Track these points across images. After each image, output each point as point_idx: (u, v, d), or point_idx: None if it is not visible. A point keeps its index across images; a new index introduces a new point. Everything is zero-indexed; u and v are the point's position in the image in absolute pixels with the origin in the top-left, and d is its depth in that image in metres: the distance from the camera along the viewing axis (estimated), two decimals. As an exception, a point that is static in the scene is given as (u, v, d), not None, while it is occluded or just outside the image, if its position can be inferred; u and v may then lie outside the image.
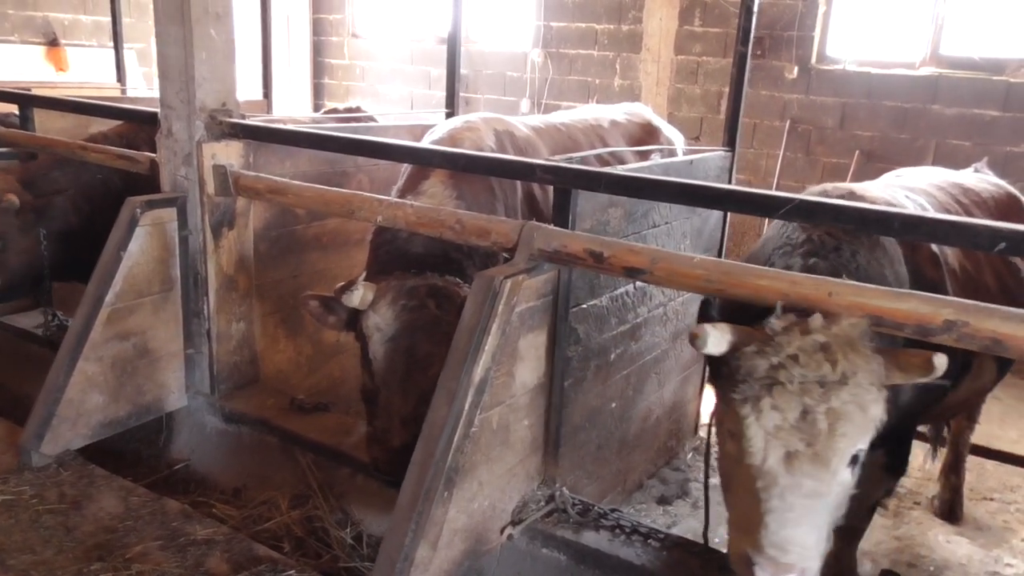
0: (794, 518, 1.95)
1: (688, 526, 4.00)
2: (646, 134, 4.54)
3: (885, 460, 2.95)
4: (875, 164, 6.69)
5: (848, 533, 3.18)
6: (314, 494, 3.46)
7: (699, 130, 7.52)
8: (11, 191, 4.13)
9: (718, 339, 2.10)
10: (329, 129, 4.37)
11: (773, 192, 2.72)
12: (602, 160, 3.92)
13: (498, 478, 2.92)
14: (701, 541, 2.91)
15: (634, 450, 4.07)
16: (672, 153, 4.57)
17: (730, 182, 4.40)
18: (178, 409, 4.00)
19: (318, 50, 9.98)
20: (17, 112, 4.95)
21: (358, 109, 5.93)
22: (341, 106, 5.87)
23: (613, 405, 3.72)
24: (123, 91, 7.21)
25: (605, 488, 3.88)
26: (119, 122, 4.79)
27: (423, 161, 3.37)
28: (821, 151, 7.15)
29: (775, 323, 2.11)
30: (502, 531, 3.00)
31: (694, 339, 2.08)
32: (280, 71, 6.85)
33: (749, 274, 2.45)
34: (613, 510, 3.06)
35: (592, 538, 2.98)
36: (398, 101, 9.39)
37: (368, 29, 9.77)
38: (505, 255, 3.02)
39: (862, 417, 1.97)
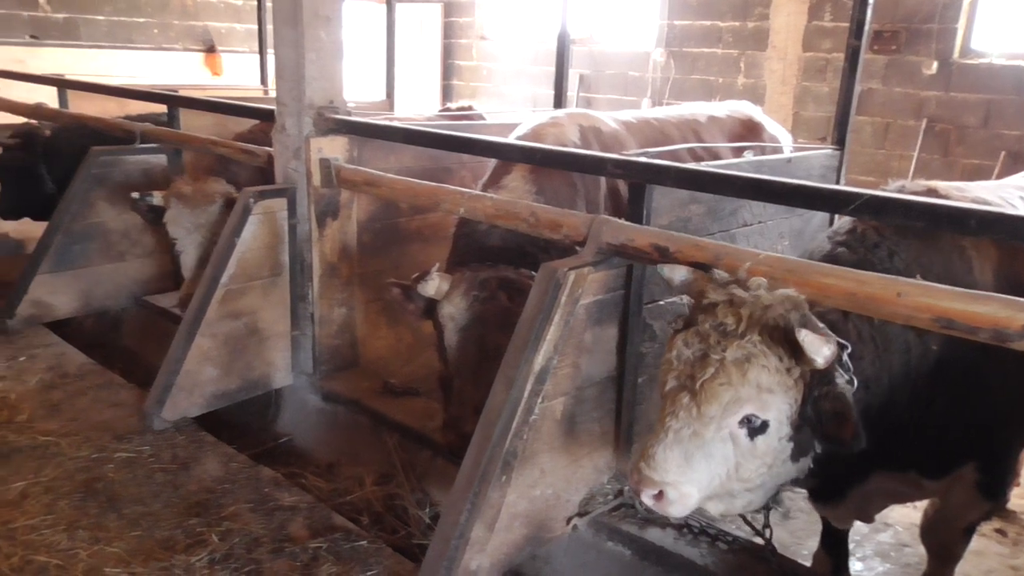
0: (667, 442, 2.09)
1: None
2: (747, 130, 4.43)
3: (977, 477, 2.76)
4: (1024, 166, 6.19)
5: (940, 554, 3.00)
6: (397, 473, 3.63)
7: (826, 130, 7.19)
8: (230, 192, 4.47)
9: (678, 276, 2.39)
10: (432, 127, 4.54)
11: (842, 187, 2.61)
12: (695, 155, 3.87)
13: (563, 468, 2.96)
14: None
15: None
16: (776, 151, 4.43)
17: (838, 182, 4.22)
18: (284, 387, 4.29)
19: (448, 53, 10.32)
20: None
21: (469, 108, 6.10)
22: (454, 105, 6.07)
23: (693, 405, 3.65)
24: (265, 92, 7.77)
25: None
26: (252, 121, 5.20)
27: (501, 155, 3.47)
28: (961, 152, 6.67)
29: (718, 275, 2.27)
30: (568, 521, 3.04)
31: (663, 273, 2.43)
32: (412, 74, 7.15)
33: (814, 272, 2.37)
34: (681, 508, 3.02)
35: (657, 535, 2.97)
36: (521, 101, 9.56)
37: (495, 31, 10.01)
38: (578, 248, 3.06)
39: (747, 378, 2.04)
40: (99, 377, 4.31)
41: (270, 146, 4.57)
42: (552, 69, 9.35)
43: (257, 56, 9.03)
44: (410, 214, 4.58)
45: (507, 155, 3.42)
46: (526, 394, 2.69)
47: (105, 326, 5.39)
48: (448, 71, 10.36)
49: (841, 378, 2.11)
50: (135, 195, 4.53)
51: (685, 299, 2.37)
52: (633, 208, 3.02)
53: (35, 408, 3.91)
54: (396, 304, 3.42)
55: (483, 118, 6.11)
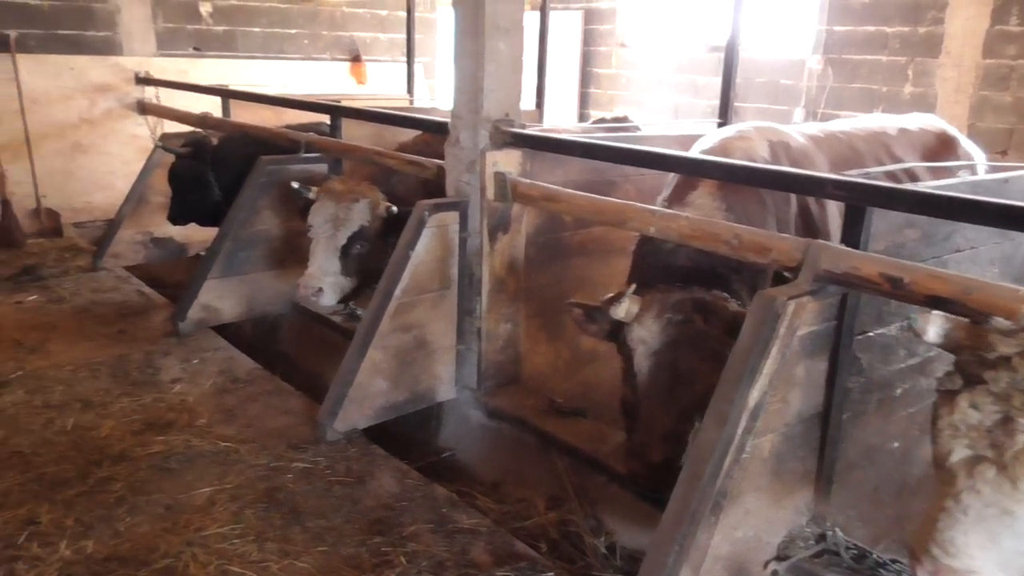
0: (965, 523, 1.84)
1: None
2: (941, 145, 4.09)
3: None
4: None
5: None
6: (569, 498, 3.51)
7: (1007, 143, 6.65)
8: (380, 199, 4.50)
9: (935, 328, 2.05)
10: (599, 139, 4.42)
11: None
12: (890, 175, 3.59)
13: (765, 508, 2.76)
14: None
15: (915, 496, 3.66)
16: (974, 169, 4.08)
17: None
18: (447, 400, 4.25)
19: (586, 60, 10.21)
20: (328, 121, 5.57)
21: (625, 119, 5.95)
22: (608, 116, 5.94)
23: (895, 445, 3.38)
24: (411, 101, 7.86)
25: (878, 534, 3.53)
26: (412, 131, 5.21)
27: (699, 172, 3.29)
28: None
29: (1001, 322, 1.96)
30: (765, 565, 2.84)
31: (916, 324, 2.07)
32: (550, 81, 7.07)
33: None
34: (894, 560, 2.78)
35: (865, 587, 2.73)
36: (662, 110, 9.34)
37: (636, 39, 9.82)
38: (787, 274, 2.86)
39: None
40: (268, 383, 4.40)
41: (432, 157, 4.60)
42: (696, 77, 9.21)
43: (398, 65, 9.24)
44: (574, 228, 4.48)
45: (706, 172, 3.24)
46: (739, 431, 2.51)
47: (264, 331, 5.53)
48: (586, 79, 10.25)
49: None
50: (295, 184, 4.63)
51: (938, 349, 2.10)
52: (851, 232, 2.79)
53: (212, 413, 4.01)
54: (578, 325, 3.30)
55: (639, 129, 5.95)
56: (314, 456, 3.64)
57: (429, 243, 3.92)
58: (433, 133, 4.56)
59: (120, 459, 3.54)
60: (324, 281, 4.39)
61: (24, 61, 7.02)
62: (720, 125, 5.18)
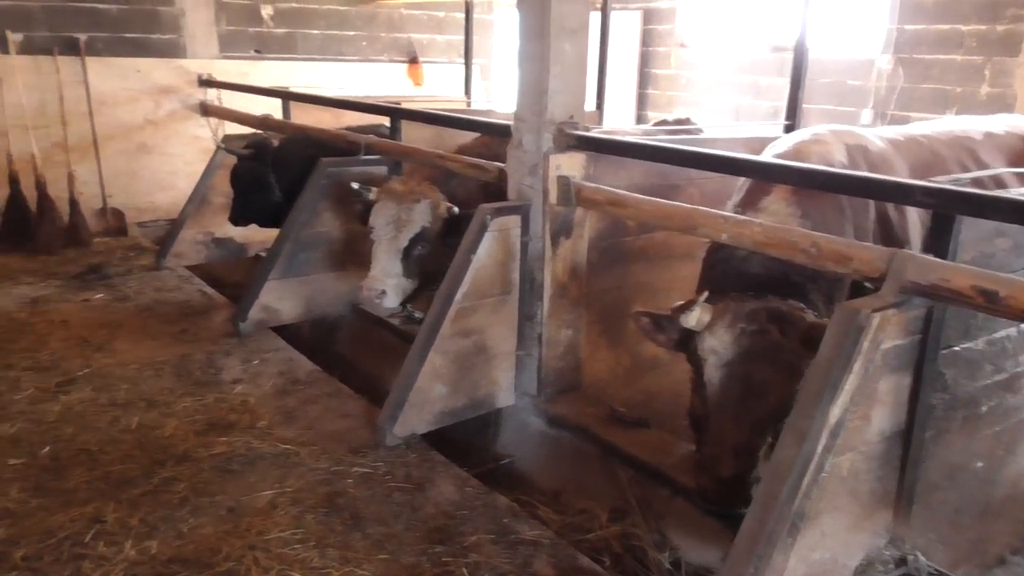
0: None
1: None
2: (1033, 149, 3.89)
3: None
4: None
5: None
6: (632, 511, 3.42)
7: (1091, 146, 6.33)
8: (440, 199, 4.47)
9: None
10: (667, 142, 4.32)
11: None
12: (977, 181, 3.42)
13: (842, 530, 2.64)
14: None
15: (998, 519, 3.48)
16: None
17: None
18: (506, 407, 4.20)
19: (645, 60, 10.07)
20: (387, 124, 5.56)
21: (687, 121, 5.83)
22: (670, 117, 5.81)
23: (979, 464, 3.21)
24: (468, 104, 7.84)
25: (958, 558, 3.37)
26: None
27: (774, 177, 3.17)
28: None
29: None
30: (841, 588, 2.72)
31: None
32: (607, 82, 6.97)
33: None
34: (979, 587, 2.63)
35: (948, 614, 2.59)
36: (722, 112, 9.15)
37: (696, 39, 9.64)
38: (868, 284, 2.73)
39: None
40: (327, 385, 4.40)
41: (491, 159, 4.55)
42: (758, 78, 8.99)
43: (455, 66, 9.24)
44: (636, 233, 4.38)
45: (782, 177, 3.12)
46: (819, 449, 2.40)
47: (323, 332, 5.54)
48: (644, 80, 10.10)
49: None
50: (355, 185, 4.62)
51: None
52: (938, 242, 2.65)
53: (272, 414, 4.02)
54: (645, 334, 3.21)
55: (701, 131, 5.82)
56: (374, 461, 3.61)
57: (490, 247, 3.87)
58: (494, 136, 4.51)
59: (183, 459, 3.56)
60: (387, 283, 4.37)
61: (93, 64, 7.19)
62: (788, 128, 5.04)
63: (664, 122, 5.83)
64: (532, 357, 4.12)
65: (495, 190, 4.36)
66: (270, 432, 3.83)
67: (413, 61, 8.98)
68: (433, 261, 4.48)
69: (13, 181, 6.73)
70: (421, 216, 4.42)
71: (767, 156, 3.50)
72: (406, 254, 4.41)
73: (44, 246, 6.62)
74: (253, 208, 5.76)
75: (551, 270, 3.98)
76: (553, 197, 3.85)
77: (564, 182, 3.81)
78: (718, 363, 2.96)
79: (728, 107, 9.18)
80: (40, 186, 6.77)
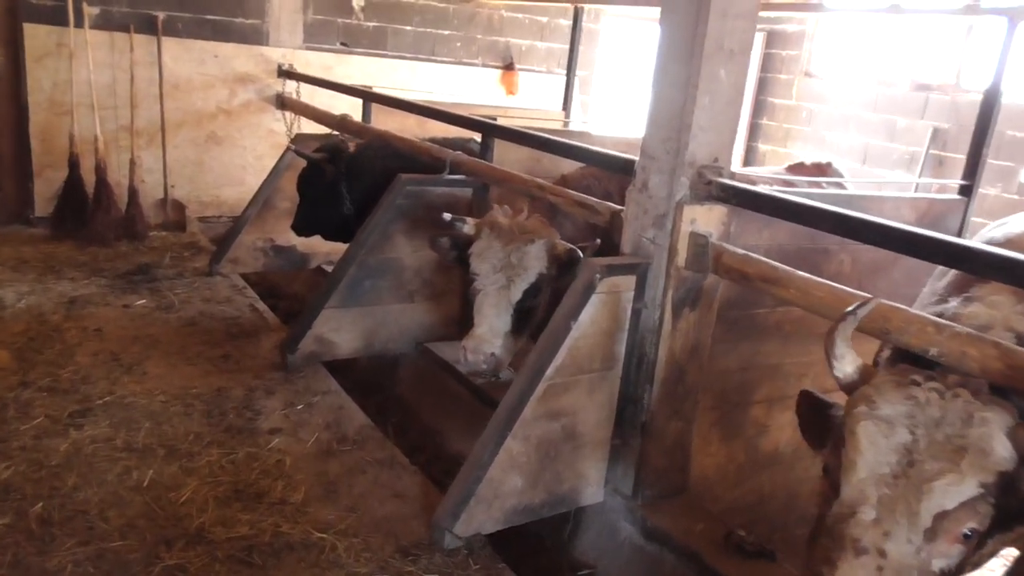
0: None
1: None
2: None
3: None
4: None
5: None
6: None
7: None
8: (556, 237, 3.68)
9: None
10: (806, 195, 3.46)
11: None
12: None
13: None
14: None
15: None
16: None
17: None
18: (592, 504, 3.42)
19: (762, 87, 9.14)
20: (478, 139, 4.85)
21: (828, 166, 4.95)
22: (808, 161, 4.94)
23: None
24: (565, 123, 7.09)
25: None
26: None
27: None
28: None
29: None
30: None
31: None
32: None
33: None
34: None
35: None
36: (847, 153, 8.16)
37: (825, 68, 8.66)
38: None
39: None
40: (379, 449, 3.69)
41: (601, 197, 3.79)
42: (895, 118, 7.88)
43: (552, 77, 8.51)
44: (772, 304, 3.55)
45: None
46: None
47: (381, 371, 4.87)
48: (759, 108, 9.17)
49: None
50: (447, 216, 3.84)
51: None
52: None
53: (311, 484, 3.33)
54: (803, 423, 2.35)
55: (841, 175, 4.95)
56: (427, 569, 2.88)
57: (596, 312, 3.10)
58: (613, 172, 3.75)
59: (196, 540, 2.88)
60: (496, 344, 3.52)
61: (169, 44, 6.68)
62: (965, 188, 4.13)
63: (801, 165, 4.96)
64: (630, 448, 3.33)
65: (605, 237, 3.60)
66: (305, 511, 3.14)
67: (508, 68, 8.27)
68: (542, 312, 3.70)
69: (73, 164, 6.26)
70: (537, 261, 3.58)
71: (984, 238, 2.65)
72: (519, 308, 3.57)
73: (97, 236, 6.11)
74: (318, 219, 5.10)
75: (667, 347, 3.18)
76: (682, 258, 3.06)
77: (699, 241, 3.01)
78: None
79: (855, 148, 8.19)
80: (100, 171, 6.28)
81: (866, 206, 3.71)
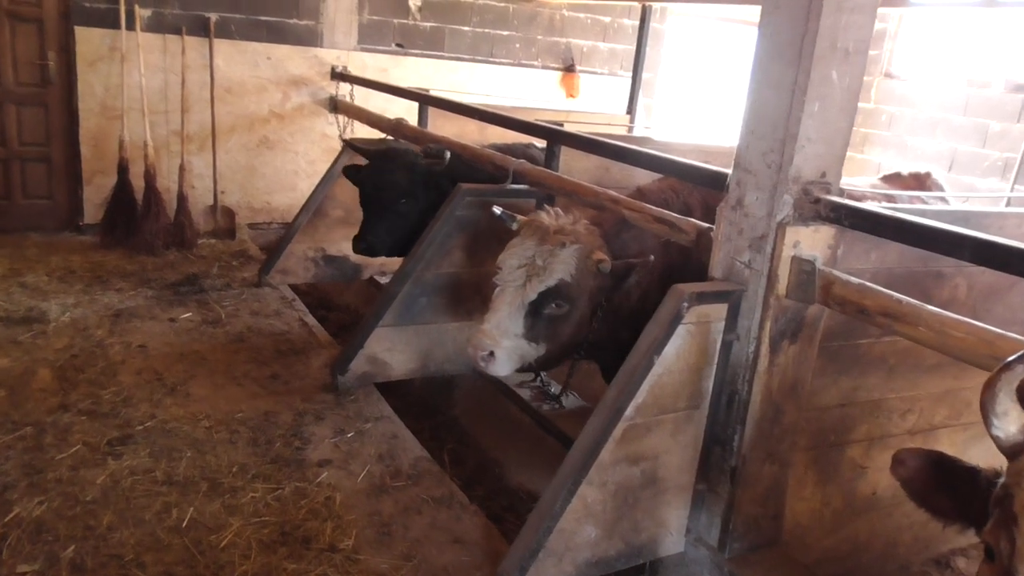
0: None
1: None
2: None
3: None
4: None
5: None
6: None
7: None
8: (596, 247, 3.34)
9: None
10: (912, 211, 3.05)
11: None
12: None
13: None
14: None
15: None
16: None
17: None
18: (671, 555, 3.07)
19: (837, 90, 8.62)
20: (538, 144, 4.53)
21: (927, 176, 4.50)
22: (904, 171, 4.50)
23: None
24: (630, 128, 6.73)
25: None
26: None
27: None
28: None
29: None
30: None
31: None
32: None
33: None
34: None
35: None
36: (932, 158, 7.62)
37: (907, 69, 8.11)
38: None
39: None
40: (436, 485, 3.39)
41: (680, 212, 3.43)
42: (989, 122, 7.31)
43: (615, 79, 8.15)
44: (878, 335, 3.15)
45: None
46: None
47: (436, 391, 4.58)
48: (835, 112, 8.64)
49: None
50: (497, 210, 3.56)
51: None
52: None
53: (363, 525, 3.04)
54: (916, 486, 1.94)
55: (942, 188, 4.50)
56: (489, 634, 2.57)
57: (682, 345, 2.76)
58: (699, 186, 3.39)
59: (237, 592, 2.62)
60: (499, 343, 3.23)
61: (221, 46, 6.50)
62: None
63: (897, 175, 4.52)
64: (717, 495, 2.97)
65: (685, 257, 3.25)
66: (356, 559, 2.84)
67: (569, 69, 7.93)
68: (576, 325, 3.38)
69: (122, 170, 6.11)
70: (563, 265, 3.26)
71: None
72: (533, 310, 3.27)
73: (145, 245, 5.95)
74: (402, 238, 4.65)
75: (763, 384, 2.82)
76: (783, 286, 2.70)
77: (804, 267, 2.64)
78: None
79: (941, 154, 7.63)
80: (149, 177, 6.11)
81: (986, 224, 3.29)
